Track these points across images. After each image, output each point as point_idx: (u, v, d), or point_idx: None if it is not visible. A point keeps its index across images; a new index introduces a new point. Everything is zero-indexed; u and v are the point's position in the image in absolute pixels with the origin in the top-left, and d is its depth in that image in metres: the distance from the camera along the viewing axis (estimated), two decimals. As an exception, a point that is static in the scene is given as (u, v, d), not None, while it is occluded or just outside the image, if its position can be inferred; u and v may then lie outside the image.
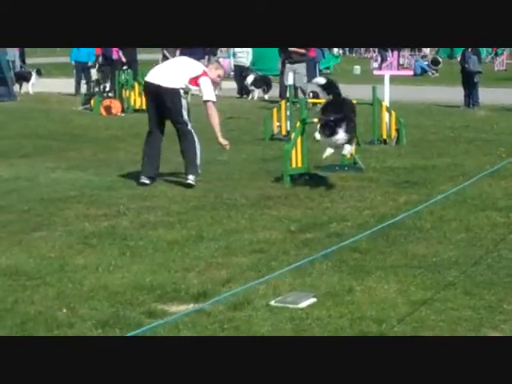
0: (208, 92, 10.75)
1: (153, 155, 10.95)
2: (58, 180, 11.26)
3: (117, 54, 25.59)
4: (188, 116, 10.74)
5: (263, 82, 26.27)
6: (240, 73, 26.97)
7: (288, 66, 20.74)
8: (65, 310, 5.99)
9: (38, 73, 28.29)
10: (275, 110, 15.80)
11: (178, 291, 6.40)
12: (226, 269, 7.02)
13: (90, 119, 19.51)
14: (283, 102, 15.71)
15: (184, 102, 10.72)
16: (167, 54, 26.70)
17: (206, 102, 10.82)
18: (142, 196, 10.11)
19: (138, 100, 20.76)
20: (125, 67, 24.32)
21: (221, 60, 35.52)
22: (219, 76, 11.34)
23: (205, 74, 10.78)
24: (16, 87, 26.63)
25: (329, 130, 9.88)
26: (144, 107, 17.87)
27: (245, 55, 27.09)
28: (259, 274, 6.82)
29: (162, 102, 10.69)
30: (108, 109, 20.61)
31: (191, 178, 10.61)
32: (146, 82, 11.07)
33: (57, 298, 6.27)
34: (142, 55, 32.19)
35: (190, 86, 10.80)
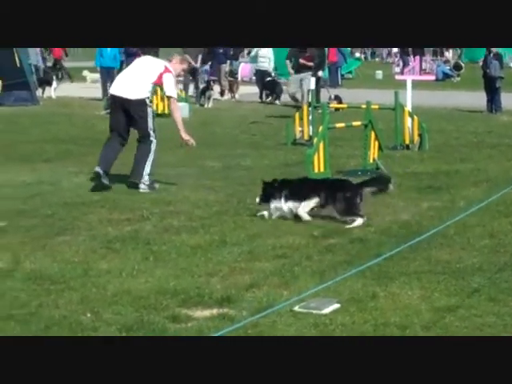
0: (170, 88, 11.06)
1: (109, 157, 11.19)
2: (80, 184, 11.30)
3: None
4: (153, 124, 11.04)
5: (270, 85, 26.47)
6: (262, 77, 26.95)
7: (295, 76, 20.94)
8: (89, 315, 6.01)
9: (56, 77, 28.53)
10: (297, 114, 15.81)
11: (201, 296, 6.41)
12: (250, 274, 7.02)
13: (113, 124, 19.54)
14: (305, 107, 15.71)
15: (150, 110, 11.05)
16: (188, 58, 26.79)
17: (168, 97, 11.28)
18: (165, 201, 10.13)
19: (160, 104, 20.76)
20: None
21: (242, 65, 35.62)
22: (184, 70, 11.86)
23: (167, 70, 11.04)
24: (39, 91, 26.77)
25: (265, 197, 9.14)
26: (167, 111, 17.99)
27: (267, 60, 27.09)
28: (282, 279, 6.83)
29: (130, 114, 10.98)
30: (130, 113, 20.63)
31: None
32: (112, 95, 11.27)
33: (81, 303, 6.29)
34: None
35: (154, 87, 11.26)
